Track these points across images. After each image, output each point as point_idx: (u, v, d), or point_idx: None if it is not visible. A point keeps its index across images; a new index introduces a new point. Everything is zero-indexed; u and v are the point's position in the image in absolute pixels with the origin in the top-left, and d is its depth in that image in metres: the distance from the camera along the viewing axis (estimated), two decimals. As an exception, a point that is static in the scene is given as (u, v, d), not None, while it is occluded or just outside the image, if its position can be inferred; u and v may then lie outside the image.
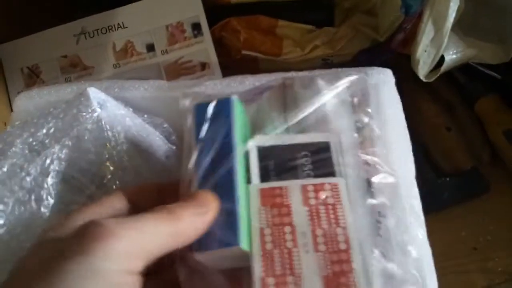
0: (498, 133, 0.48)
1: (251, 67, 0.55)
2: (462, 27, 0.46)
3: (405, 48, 0.47)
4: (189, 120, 0.30)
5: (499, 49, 0.48)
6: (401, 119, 0.36)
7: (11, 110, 0.40)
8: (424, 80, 0.45)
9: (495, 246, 0.46)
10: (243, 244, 0.24)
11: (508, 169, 0.48)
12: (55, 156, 0.32)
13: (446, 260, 0.45)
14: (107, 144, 0.36)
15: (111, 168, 0.36)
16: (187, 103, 0.32)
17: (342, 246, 0.25)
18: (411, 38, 0.46)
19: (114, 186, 0.35)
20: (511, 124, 0.47)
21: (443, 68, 0.44)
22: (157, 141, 0.40)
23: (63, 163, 0.33)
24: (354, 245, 0.25)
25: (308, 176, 0.28)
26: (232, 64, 0.55)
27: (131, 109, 0.39)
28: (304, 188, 0.27)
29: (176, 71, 0.52)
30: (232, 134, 0.28)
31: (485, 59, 0.47)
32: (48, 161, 0.32)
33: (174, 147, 0.40)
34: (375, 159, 0.30)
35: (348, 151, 0.30)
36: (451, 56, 0.44)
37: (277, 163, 0.29)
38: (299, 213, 0.26)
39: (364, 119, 0.32)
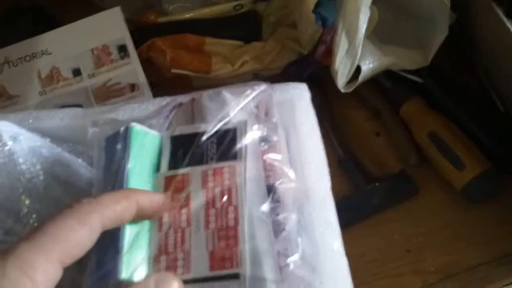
0: (423, 136, 0.49)
1: (184, 84, 0.55)
2: (380, 35, 0.48)
3: (328, 59, 0.48)
4: (95, 154, 0.31)
5: (418, 54, 0.49)
6: (316, 133, 0.37)
7: None
8: (342, 90, 0.46)
9: (427, 246, 0.47)
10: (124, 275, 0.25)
11: (435, 170, 0.49)
12: (-38, 194, 0.32)
13: (380, 265, 0.46)
14: (21, 178, 0.35)
15: (27, 201, 0.35)
16: (94, 132, 0.32)
17: (231, 223, 0.27)
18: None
19: (31, 220, 0.35)
20: (435, 127, 0.49)
21: (360, 78, 0.45)
22: (78, 169, 0.40)
23: (-29, 200, 0.32)
24: (243, 223, 0.27)
25: (211, 160, 0.30)
26: (165, 82, 0.55)
27: (48, 139, 0.38)
28: (204, 173, 0.29)
29: (105, 94, 0.51)
30: (125, 166, 0.28)
31: (404, 65, 0.48)
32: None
33: (98, 174, 0.40)
34: (277, 164, 0.31)
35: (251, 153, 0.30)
36: (368, 66, 0.45)
37: (186, 151, 0.31)
38: (197, 196, 0.28)
39: (268, 130, 0.32)
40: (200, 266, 0.26)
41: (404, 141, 0.50)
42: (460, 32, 0.54)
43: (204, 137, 0.31)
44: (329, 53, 0.48)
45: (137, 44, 0.52)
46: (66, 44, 0.51)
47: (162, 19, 0.55)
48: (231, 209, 0.28)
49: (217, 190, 0.29)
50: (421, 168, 0.49)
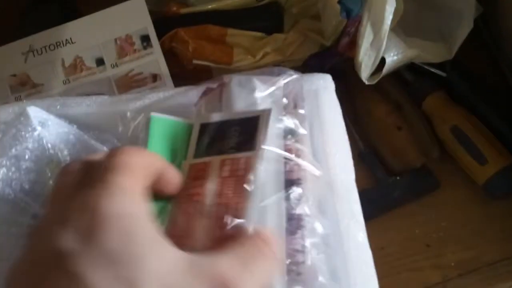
0: (445, 130, 0.49)
1: (205, 76, 0.55)
2: (404, 27, 0.47)
3: (352, 51, 0.48)
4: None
5: (442, 47, 0.49)
6: (341, 124, 0.37)
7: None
8: (366, 82, 0.45)
9: (448, 241, 0.47)
10: None
11: (457, 165, 0.49)
12: (-8, 176, 0.32)
13: (400, 258, 0.46)
14: (49, 163, 0.36)
15: (54, 186, 0.36)
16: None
17: (237, 214, 0.27)
18: (356, 41, 0.46)
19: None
20: (458, 121, 0.48)
21: (385, 70, 0.45)
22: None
23: (1, 183, 0.33)
24: (248, 214, 0.26)
25: (232, 149, 0.30)
26: (186, 74, 0.55)
27: (75, 126, 0.39)
28: (222, 162, 0.29)
29: (127, 84, 0.52)
30: None
31: (428, 58, 0.48)
32: (-15, 181, 0.32)
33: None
34: (301, 158, 0.31)
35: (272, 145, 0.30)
36: (392, 58, 0.44)
37: (211, 139, 0.31)
38: (211, 184, 0.28)
39: (295, 121, 0.32)
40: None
41: (425, 135, 0.49)
42: (483, 26, 0.53)
43: (228, 125, 0.31)
44: (353, 45, 0.48)
45: (159, 34, 0.53)
46: (90, 34, 0.51)
47: (184, 10, 0.55)
48: (241, 200, 0.27)
49: (231, 180, 0.29)
50: (443, 162, 0.49)
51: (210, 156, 0.30)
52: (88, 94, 0.51)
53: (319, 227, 0.30)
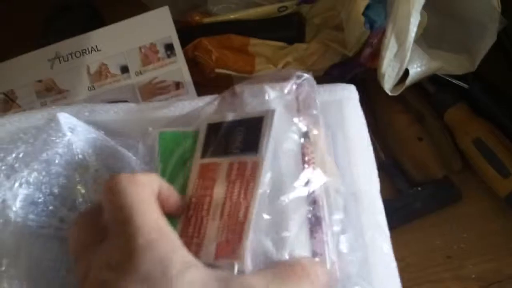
0: (467, 142, 0.49)
1: (226, 85, 0.56)
2: (427, 39, 0.48)
3: (374, 62, 0.48)
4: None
5: (464, 59, 0.49)
6: (365, 135, 0.37)
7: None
8: (390, 94, 0.46)
9: (469, 253, 0.47)
10: None
11: (478, 177, 0.49)
12: (24, 179, 0.33)
13: (421, 270, 0.46)
14: (78, 168, 0.37)
15: (82, 191, 0.36)
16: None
17: (241, 218, 0.27)
18: (379, 52, 0.47)
19: (85, 210, 0.36)
20: (480, 133, 0.48)
21: (408, 81, 0.45)
22: (130, 163, 0.41)
23: (32, 186, 0.33)
24: (251, 219, 0.27)
25: (237, 150, 0.30)
26: (208, 82, 0.56)
27: (102, 132, 0.39)
28: (230, 165, 0.30)
29: (150, 92, 0.52)
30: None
31: (451, 70, 0.48)
32: (16, 184, 0.33)
33: (147, 168, 0.41)
34: (314, 161, 0.30)
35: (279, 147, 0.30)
36: (416, 70, 0.45)
37: (218, 139, 0.31)
38: (220, 186, 0.29)
39: (308, 124, 0.32)
40: (208, 254, 0.27)
41: (447, 147, 0.49)
42: (506, 38, 0.53)
43: (233, 125, 0.31)
44: (375, 56, 0.49)
45: (182, 43, 0.53)
46: (115, 42, 0.52)
47: (207, 20, 0.56)
48: (244, 204, 0.28)
49: (237, 183, 0.29)
50: (465, 174, 0.49)
51: (217, 157, 0.31)
52: (112, 101, 0.52)
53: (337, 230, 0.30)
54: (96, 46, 0.53)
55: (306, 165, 0.30)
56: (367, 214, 0.34)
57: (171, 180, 0.32)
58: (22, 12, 0.60)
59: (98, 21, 0.59)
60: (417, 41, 0.45)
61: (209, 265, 0.26)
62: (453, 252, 0.47)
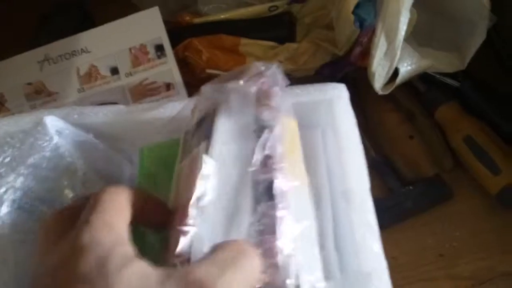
0: (458, 140, 0.49)
1: (217, 85, 0.56)
2: (417, 38, 0.48)
3: (364, 61, 0.48)
4: None
5: (455, 57, 0.49)
6: (355, 134, 0.37)
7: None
8: (380, 93, 0.46)
9: (461, 251, 0.46)
10: None
11: (470, 175, 0.49)
12: (9, 185, 0.32)
13: (413, 269, 0.46)
14: (66, 171, 0.36)
15: (70, 195, 0.36)
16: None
17: (183, 215, 0.26)
18: (369, 51, 0.47)
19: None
20: (471, 131, 0.48)
21: (398, 80, 0.45)
22: (120, 165, 0.41)
23: (18, 191, 0.33)
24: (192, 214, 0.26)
25: (196, 146, 0.30)
26: (198, 82, 0.55)
27: (91, 135, 0.39)
28: (190, 162, 0.29)
29: (141, 93, 0.52)
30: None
31: (441, 68, 0.48)
32: (2, 190, 0.32)
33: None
34: (272, 157, 0.29)
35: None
36: (406, 68, 0.45)
37: (188, 141, 0.31)
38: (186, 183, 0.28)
39: (265, 117, 0.30)
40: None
41: (438, 145, 0.49)
42: (496, 35, 0.54)
43: (198, 124, 0.32)
44: (365, 55, 0.49)
45: (172, 44, 0.53)
46: (105, 43, 0.52)
47: (197, 20, 0.56)
48: (188, 200, 0.26)
49: (187, 179, 0.28)
50: (456, 172, 0.49)
51: (186, 157, 0.30)
52: (102, 103, 0.52)
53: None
54: (86, 47, 0.52)
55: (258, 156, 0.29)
56: (358, 213, 0.34)
57: (167, 191, 0.31)
58: (21, 12, 0.60)
59: (88, 21, 0.58)
60: (407, 39, 0.45)
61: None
62: (445, 251, 0.46)
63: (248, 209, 0.27)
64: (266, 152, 0.29)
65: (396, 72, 0.46)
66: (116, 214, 0.24)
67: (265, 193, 0.28)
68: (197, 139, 0.30)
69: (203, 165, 0.27)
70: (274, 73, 0.33)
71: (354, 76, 0.53)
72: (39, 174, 0.34)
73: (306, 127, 0.41)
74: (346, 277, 0.33)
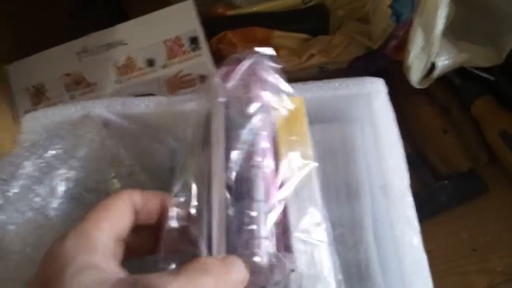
0: (494, 134, 0.48)
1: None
2: (454, 32, 0.47)
3: (399, 54, 0.48)
4: None
5: (491, 51, 0.48)
6: (394, 128, 0.37)
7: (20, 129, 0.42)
8: (417, 86, 0.45)
9: (495, 246, 0.47)
10: None
11: (505, 170, 0.48)
12: (62, 177, 0.34)
13: (446, 262, 0.46)
14: (113, 163, 0.38)
15: (117, 185, 0.37)
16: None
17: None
18: (404, 44, 0.46)
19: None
20: (507, 125, 0.48)
21: (435, 74, 0.45)
22: (160, 156, 0.42)
23: (70, 183, 0.34)
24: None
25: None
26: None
27: (133, 126, 0.40)
28: None
29: (176, 85, 0.53)
30: None
31: (478, 62, 0.47)
32: (55, 182, 0.34)
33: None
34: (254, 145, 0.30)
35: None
36: (443, 62, 0.44)
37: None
38: None
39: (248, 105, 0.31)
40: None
41: (473, 140, 0.49)
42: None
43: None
44: (400, 48, 0.48)
45: (207, 36, 0.54)
46: (141, 35, 0.53)
47: (230, 12, 0.56)
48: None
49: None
50: (491, 167, 0.49)
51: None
52: (138, 94, 0.53)
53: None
54: (122, 39, 0.53)
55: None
56: (396, 208, 0.34)
57: None
58: (49, 7, 0.61)
59: (122, 15, 0.59)
60: (444, 33, 0.45)
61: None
62: (479, 245, 0.47)
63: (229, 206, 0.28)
64: (248, 147, 0.29)
65: (432, 66, 0.45)
66: (96, 223, 0.25)
67: (246, 193, 0.28)
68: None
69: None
70: (260, 59, 0.34)
71: (388, 69, 0.53)
72: (88, 165, 0.35)
73: (344, 121, 0.41)
74: (386, 271, 0.33)
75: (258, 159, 0.29)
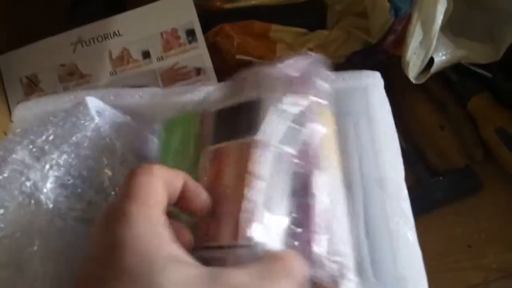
0: (490, 131, 0.48)
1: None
2: (452, 28, 0.47)
3: (397, 49, 0.48)
4: None
5: (489, 48, 0.48)
6: (390, 122, 0.37)
7: (11, 119, 0.41)
8: (414, 82, 0.45)
9: (489, 243, 0.47)
10: None
11: (500, 167, 0.48)
12: (54, 162, 0.33)
13: (441, 258, 0.46)
14: (105, 151, 0.37)
15: (109, 174, 0.37)
16: None
17: (238, 202, 0.27)
18: (402, 39, 0.46)
19: (113, 192, 0.36)
20: (503, 122, 0.48)
21: (433, 69, 0.45)
22: (153, 147, 0.41)
23: (62, 169, 0.34)
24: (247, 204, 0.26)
25: (241, 132, 0.30)
26: (228, 68, 0.56)
27: (128, 117, 0.40)
28: (234, 148, 0.30)
29: (171, 77, 0.53)
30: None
31: (476, 59, 0.47)
32: (47, 166, 0.33)
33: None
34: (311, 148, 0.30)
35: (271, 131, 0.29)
36: (441, 58, 0.44)
37: (225, 125, 0.32)
38: (231, 169, 0.29)
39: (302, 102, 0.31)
40: (227, 236, 0.26)
41: (469, 136, 0.49)
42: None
43: (238, 109, 0.32)
44: (398, 43, 0.48)
45: (203, 29, 0.53)
46: (137, 27, 0.52)
47: (228, 5, 0.56)
48: (241, 187, 0.27)
49: (236, 167, 0.29)
50: (486, 163, 0.49)
51: (226, 141, 0.31)
52: (133, 86, 0.52)
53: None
54: (118, 31, 0.53)
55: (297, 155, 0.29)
56: (392, 201, 0.34)
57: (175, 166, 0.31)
58: None
59: (119, 6, 0.59)
60: (441, 29, 0.45)
61: (231, 247, 0.26)
62: (474, 242, 0.47)
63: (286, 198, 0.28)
64: (305, 143, 0.29)
65: (429, 62, 0.45)
66: (154, 202, 0.24)
67: (302, 187, 0.28)
68: (239, 124, 0.30)
69: (260, 156, 0.28)
70: (315, 63, 0.33)
71: (385, 65, 0.52)
72: (80, 152, 0.35)
73: (338, 114, 0.41)
74: (379, 266, 0.33)
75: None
